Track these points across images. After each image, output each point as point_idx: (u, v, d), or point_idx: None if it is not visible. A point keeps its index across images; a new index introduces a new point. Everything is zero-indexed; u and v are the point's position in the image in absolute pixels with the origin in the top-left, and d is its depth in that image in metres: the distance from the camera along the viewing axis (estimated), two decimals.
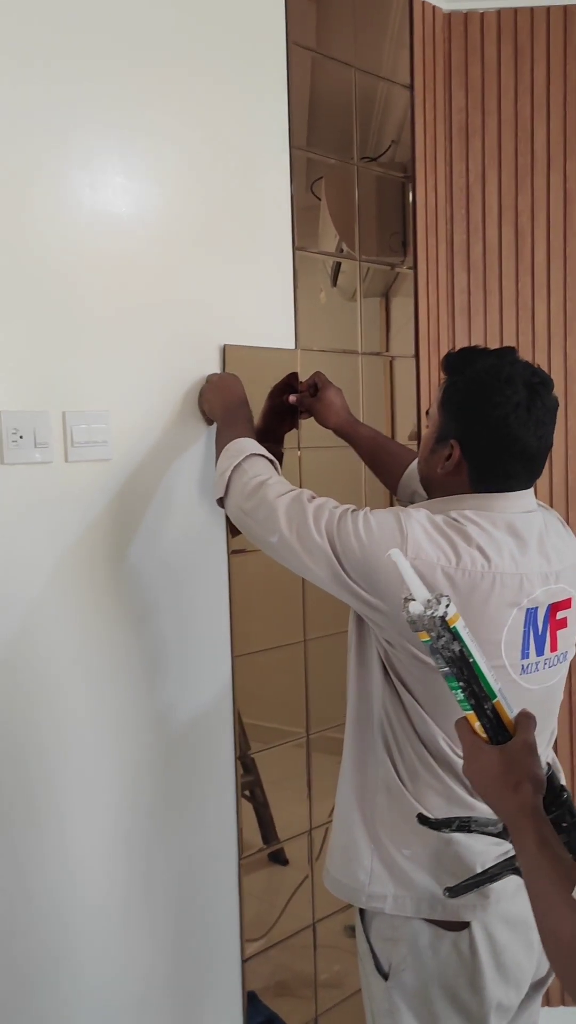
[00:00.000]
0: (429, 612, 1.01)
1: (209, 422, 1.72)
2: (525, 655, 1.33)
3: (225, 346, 1.77)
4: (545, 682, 1.38)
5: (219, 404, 1.64)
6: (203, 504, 1.75)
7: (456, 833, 1.34)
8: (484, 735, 1.04)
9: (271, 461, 1.49)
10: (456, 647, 1.02)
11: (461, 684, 1.03)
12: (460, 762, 1.33)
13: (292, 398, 1.84)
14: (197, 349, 1.73)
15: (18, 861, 1.52)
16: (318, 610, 1.99)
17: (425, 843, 1.37)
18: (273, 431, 1.85)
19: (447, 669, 1.04)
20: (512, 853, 1.15)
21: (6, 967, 1.51)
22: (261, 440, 1.54)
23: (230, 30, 1.79)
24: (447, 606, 1.01)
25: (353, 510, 1.35)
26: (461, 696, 1.04)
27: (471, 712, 1.04)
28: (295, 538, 1.34)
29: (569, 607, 1.40)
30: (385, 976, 1.43)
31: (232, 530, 1.78)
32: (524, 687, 1.35)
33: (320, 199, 2.02)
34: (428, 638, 1.02)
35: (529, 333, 2.33)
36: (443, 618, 1.01)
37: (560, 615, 1.38)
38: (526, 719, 1.05)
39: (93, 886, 1.62)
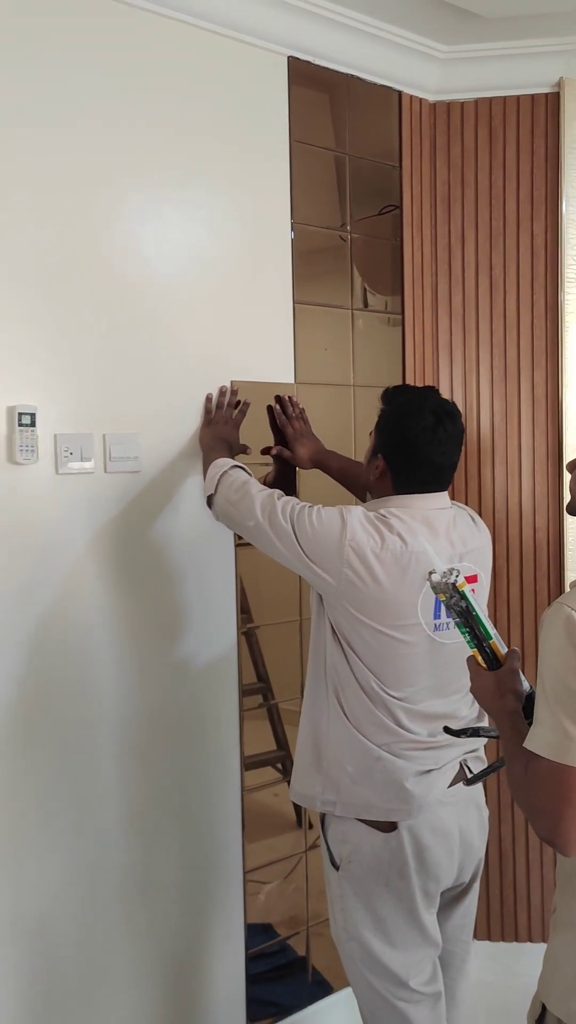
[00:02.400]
0: (445, 580, 1.43)
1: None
2: (437, 616, 1.79)
3: (232, 382, 2.24)
4: (457, 638, 1.81)
5: (208, 436, 2.15)
6: None
7: (387, 754, 1.79)
8: (484, 664, 1.44)
9: (248, 472, 1.99)
10: (463, 604, 1.43)
11: (467, 629, 1.43)
12: (389, 698, 1.79)
13: (274, 450, 2.31)
14: (210, 384, 2.21)
15: (62, 769, 2.00)
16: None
17: (361, 763, 1.82)
18: (284, 482, 2.33)
19: (457, 620, 1.44)
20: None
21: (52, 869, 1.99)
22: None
23: (244, 134, 2.28)
24: (457, 576, 1.43)
25: (310, 506, 1.83)
26: (467, 638, 1.44)
27: (475, 650, 1.44)
28: (267, 523, 1.82)
29: (475, 581, 1.84)
30: (337, 867, 1.87)
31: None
32: (439, 642, 1.81)
33: (349, 250, 2.50)
34: (444, 598, 1.43)
35: (502, 367, 2.76)
36: (454, 584, 1.42)
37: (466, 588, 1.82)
38: (512, 654, 1.44)
39: (117, 794, 2.10)
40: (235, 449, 2.15)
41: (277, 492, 1.88)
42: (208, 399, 2.20)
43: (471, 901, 2.01)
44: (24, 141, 1.90)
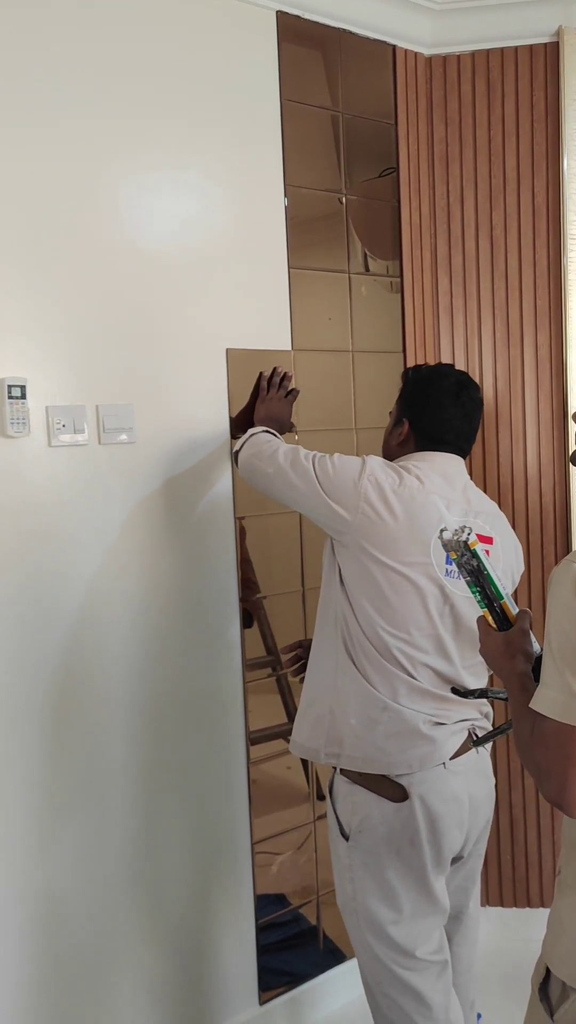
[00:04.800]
0: (456, 537, 1.41)
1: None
2: (449, 562, 1.78)
3: (228, 349, 2.20)
4: (467, 592, 1.76)
5: (262, 412, 2.23)
6: (210, 477, 2.20)
7: (393, 703, 1.79)
8: (494, 625, 1.42)
9: (277, 436, 2.08)
10: (474, 563, 1.40)
11: (478, 589, 1.41)
12: (395, 643, 1.79)
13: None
14: (205, 354, 2.18)
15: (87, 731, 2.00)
16: (315, 566, 2.41)
17: (366, 714, 1.80)
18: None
19: (468, 579, 1.41)
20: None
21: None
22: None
23: (235, 96, 2.23)
24: (469, 534, 1.41)
25: (331, 454, 1.89)
26: (478, 598, 1.41)
27: (485, 610, 1.41)
28: (288, 465, 1.89)
29: (491, 543, 1.82)
30: (346, 838, 1.86)
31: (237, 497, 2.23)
32: (450, 589, 1.81)
33: (345, 213, 2.47)
34: (456, 556, 1.41)
35: (504, 330, 2.71)
36: (466, 542, 1.40)
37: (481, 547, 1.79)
38: (524, 614, 1.42)
39: (128, 764, 2.10)
40: (284, 428, 2.23)
41: (298, 446, 1.97)
42: (260, 376, 2.26)
43: (475, 865, 1.99)
44: (8, 111, 1.85)
